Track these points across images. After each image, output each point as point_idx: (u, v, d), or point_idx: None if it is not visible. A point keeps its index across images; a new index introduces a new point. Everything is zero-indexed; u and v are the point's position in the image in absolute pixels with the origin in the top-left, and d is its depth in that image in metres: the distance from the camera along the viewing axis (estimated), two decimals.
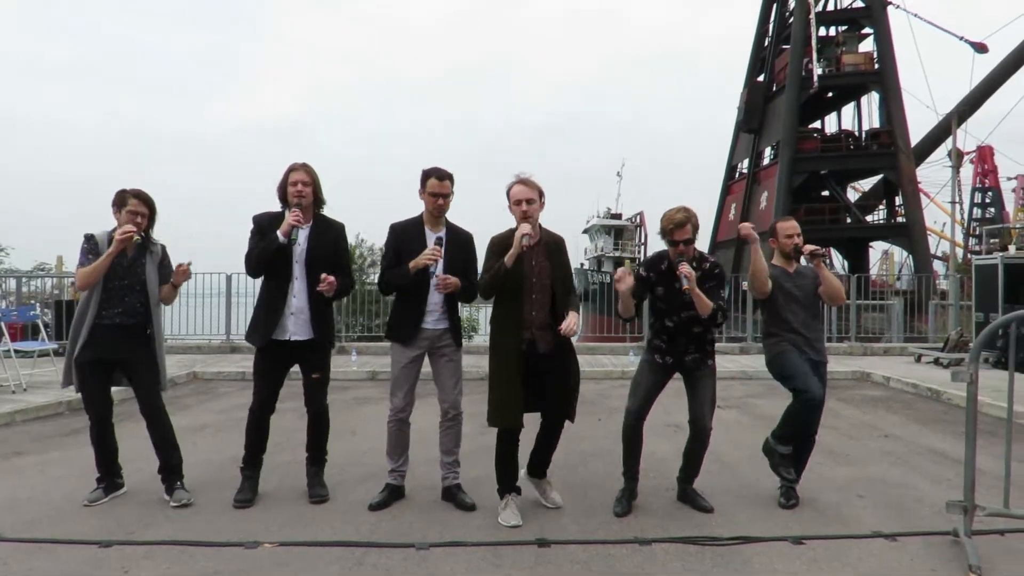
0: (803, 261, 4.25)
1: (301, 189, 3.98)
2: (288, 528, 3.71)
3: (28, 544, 3.46)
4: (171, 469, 4.12)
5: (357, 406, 7.47)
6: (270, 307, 4.04)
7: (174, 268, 4.12)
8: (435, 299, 4.00)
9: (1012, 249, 13.64)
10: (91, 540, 3.50)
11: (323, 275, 3.94)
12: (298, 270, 4.02)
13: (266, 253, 3.95)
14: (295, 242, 3.96)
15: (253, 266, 4.06)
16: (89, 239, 3.97)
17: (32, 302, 11.65)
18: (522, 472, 4.07)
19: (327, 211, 4.22)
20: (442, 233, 3.97)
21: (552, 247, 3.85)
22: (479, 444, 5.27)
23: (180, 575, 3.14)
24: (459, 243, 4.07)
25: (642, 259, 48.59)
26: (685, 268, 3.68)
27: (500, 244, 3.76)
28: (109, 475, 4.19)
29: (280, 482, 4.41)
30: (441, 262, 3.91)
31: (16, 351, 7.64)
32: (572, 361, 3.92)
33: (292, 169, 4.04)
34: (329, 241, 4.13)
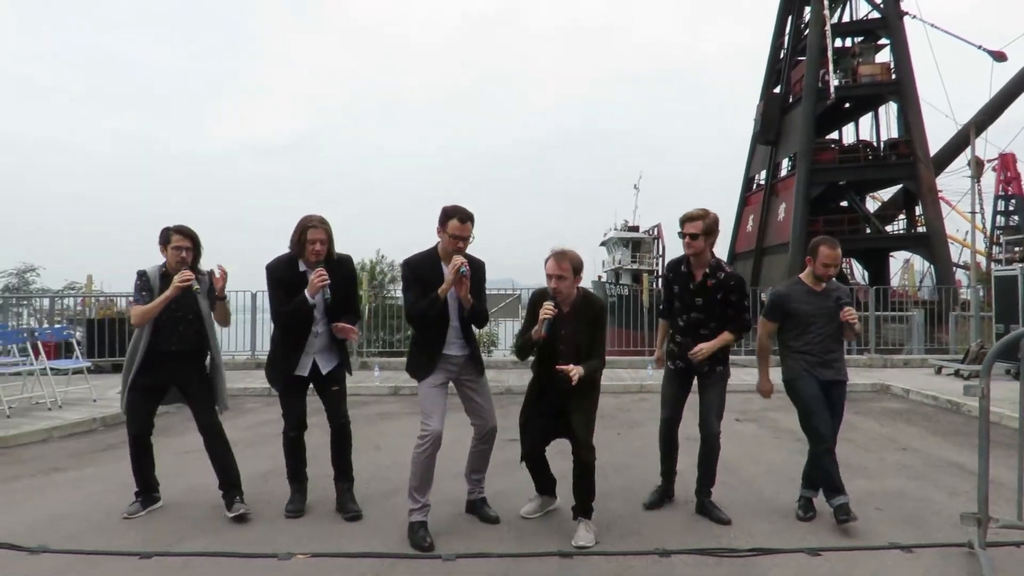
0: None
1: (320, 249, 4.11)
2: (318, 541, 3.85)
3: (73, 555, 3.64)
4: (230, 483, 4.28)
5: (380, 421, 7.61)
6: (290, 351, 4.22)
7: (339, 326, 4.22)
8: (455, 330, 4.00)
9: None
10: (132, 552, 3.67)
11: (337, 326, 4.18)
12: (319, 314, 4.20)
13: (299, 314, 4.11)
14: (328, 300, 4.12)
15: (283, 323, 4.21)
16: (141, 276, 4.18)
17: (63, 322, 11.95)
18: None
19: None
20: (465, 266, 3.91)
21: (585, 317, 3.88)
22: (499, 459, 5.39)
23: None
24: (472, 271, 4.02)
25: (660, 272, 48.66)
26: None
27: (536, 302, 3.89)
28: (147, 490, 4.37)
29: (309, 496, 4.54)
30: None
31: (51, 369, 7.87)
32: (593, 394, 3.99)
33: (310, 226, 4.11)
34: (343, 280, 4.27)
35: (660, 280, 5.22)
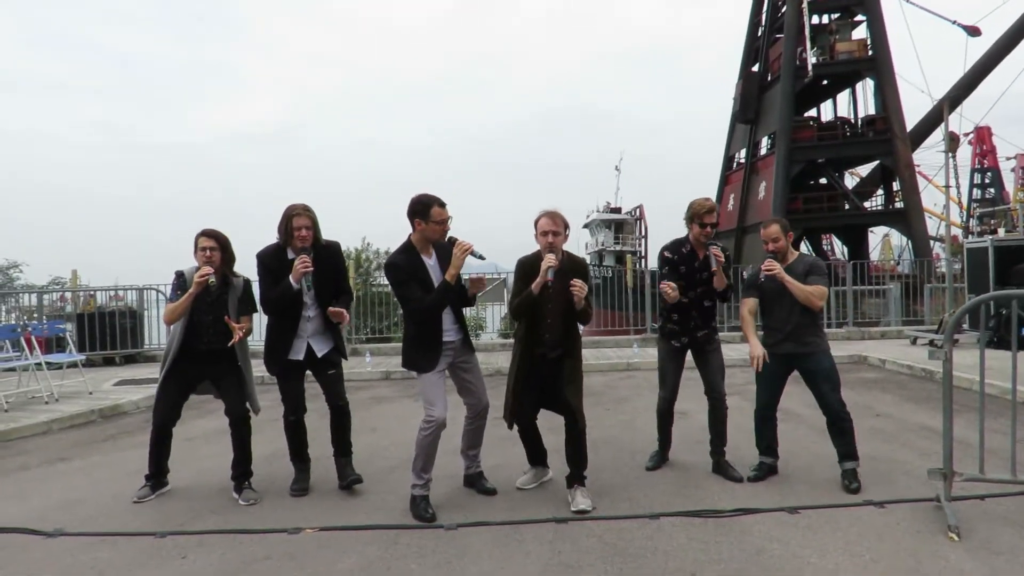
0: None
1: (305, 235, 4.28)
2: (325, 516, 4.04)
3: (90, 537, 3.80)
4: (243, 472, 4.47)
5: (375, 405, 7.80)
6: (283, 336, 4.40)
7: (235, 326, 4.34)
8: (449, 317, 4.12)
9: (1001, 232, 13.90)
10: (148, 532, 3.84)
11: (331, 310, 4.32)
12: (309, 300, 4.37)
13: (285, 300, 4.27)
14: (309, 287, 4.29)
15: (273, 310, 4.38)
16: (179, 276, 4.38)
17: (59, 317, 11.99)
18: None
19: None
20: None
21: (572, 274, 4.07)
22: (493, 436, 5.60)
23: (234, 560, 3.46)
24: (447, 254, 4.08)
25: (643, 252, 48.97)
26: (717, 251, 4.41)
27: (526, 267, 4.09)
28: (159, 474, 4.53)
29: (313, 476, 4.71)
30: (439, 271, 4.07)
31: (45, 363, 7.96)
32: (578, 363, 4.18)
33: (294, 214, 4.27)
34: (330, 266, 4.44)
35: (662, 265, 5.35)
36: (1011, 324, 4.33)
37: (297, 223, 4.26)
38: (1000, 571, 3.12)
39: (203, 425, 6.53)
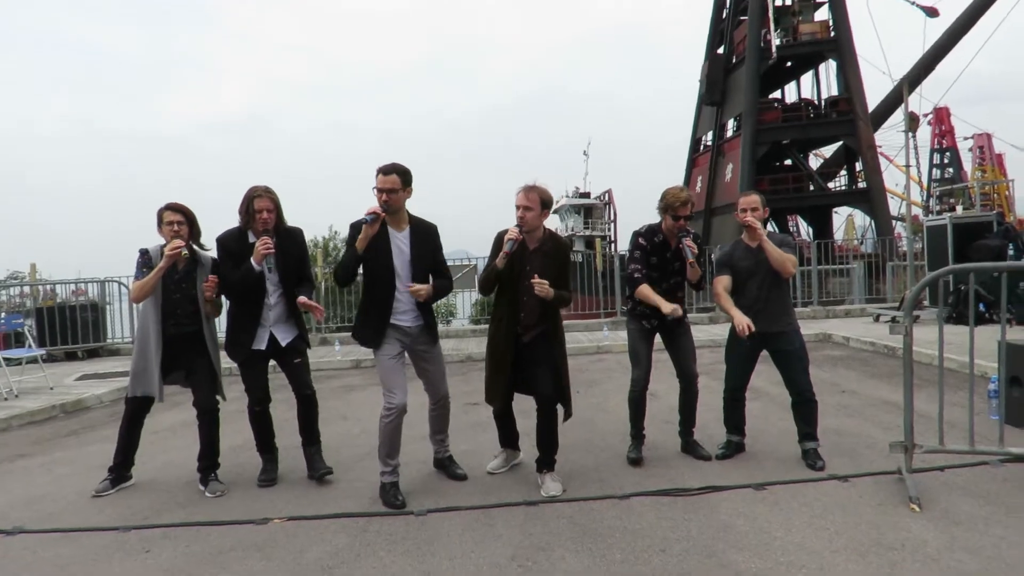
0: (771, 228, 4.62)
1: (267, 217, 4.18)
2: (293, 505, 4.00)
3: (51, 534, 3.71)
4: (210, 464, 4.38)
5: (345, 393, 7.73)
6: (247, 323, 4.30)
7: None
8: (405, 299, 3.98)
9: (959, 210, 14.20)
10: (111, 527, 3.76)
11: (306, 302, 4.21)
12: (272, 287, 4.26)
13: (247, 283, 4.17)
14: (271, 269, 4.19)
15: (235, 294, 4.29)
16: (144, 253, 4.24)
17: (18, 312, 11.67)
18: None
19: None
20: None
21: (552, 252, 4.06)
22: (463, 422, 5.60)
23: (200, 552, 3.41)
24: (425, 236, 4.07)
25: (613, 236, 49.21)
26: (690, 241, 4.33)
27: (500, 239, 4.02)
28: (124, 467, 4.44)
29: (281, 466, 4.65)
30: (407, 256, 3.96)
31: (4, 359, 7.76)
32: (556, 347, 4.17)
33: (256, 195, 4.19)
34: (293, 252, 4.35)
35: (634, 248, 5.37)
36: (969, 300, 4.42)
37: (259, 205, 4.18)
38: (959, 540, 3.20)
39: (170, 418, 6.41)
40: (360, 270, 4.00)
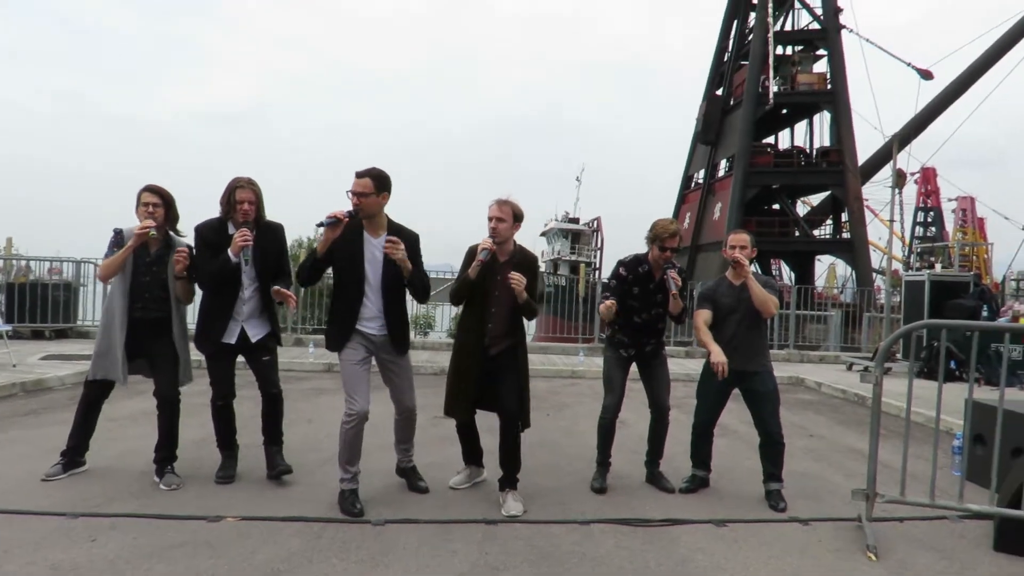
0: (754, 270, 4.63)
1: (248, 209, 4.13)
2: (249, 505, 3.92)
3: None
4: (167, 456, 4.30)
5: (314, 396, 7.65)
6: (218, 315, 4.22)
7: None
8: (373, 306, 3.94)
9: (938, 268, 14.42)
10: (59, 512, 3.67)
11: (278, 290, 4.15)
12: (247, 280, 4.20)
13: (223, 274, 4.10)
14: (247, 261, 4.11)
15: (210, 285, 4.21)
16: (117, 233, 4.16)
17: None
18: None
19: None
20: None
21: (522, 267, 4.06)
22: (431, 435, 5.55)
23: (147, 545, 3.32)
24: (405, 243, 3.92)
25: (598, 264, 49.40)
26: (674, 274, 4.33)
27: (472, 252, 4.04)
28: (77, 451, 4.34)
29: (241, 464, 4.58)
30: (380, 263, 3.90)
31: None
32: (521, 363, 4.17)
33: (238, 186, 4.14)
34: (272, 247, 4.30)
35: (612, 278, 5.38)
36: (940, 356, 4.47)
37: (240, 196, 4.13)
38: None
39: (131, 406, 6.30)
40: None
